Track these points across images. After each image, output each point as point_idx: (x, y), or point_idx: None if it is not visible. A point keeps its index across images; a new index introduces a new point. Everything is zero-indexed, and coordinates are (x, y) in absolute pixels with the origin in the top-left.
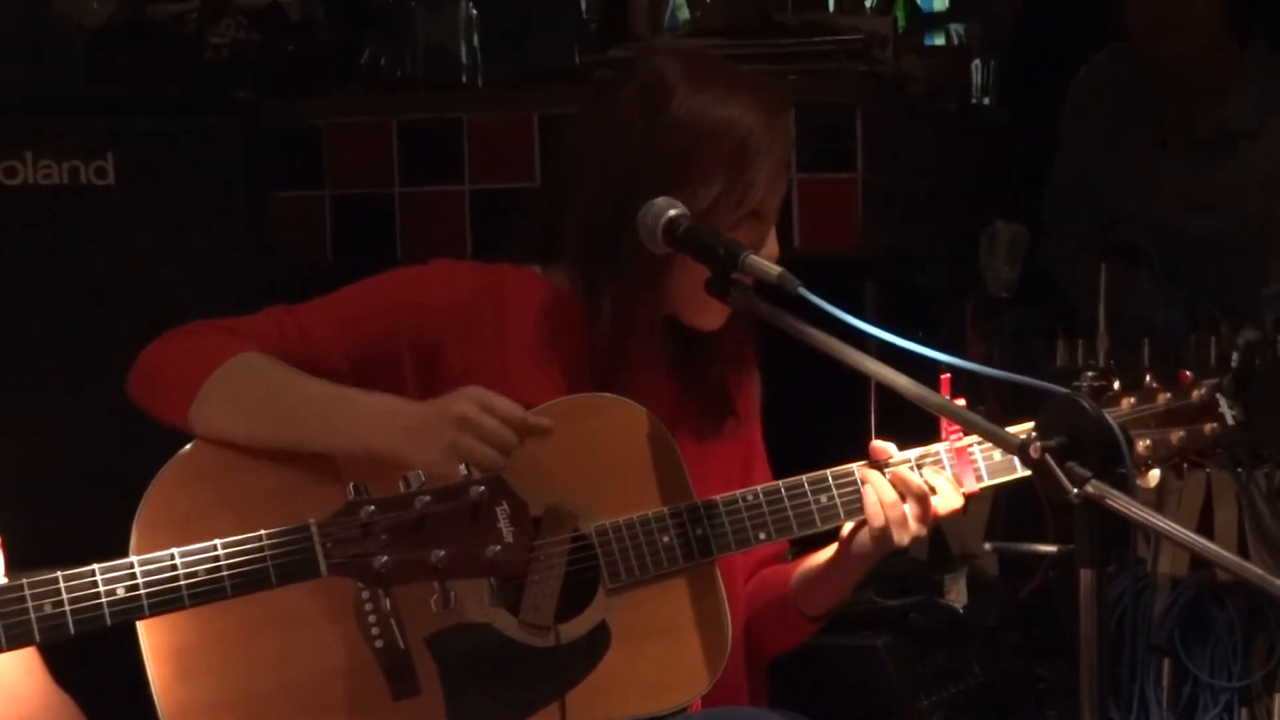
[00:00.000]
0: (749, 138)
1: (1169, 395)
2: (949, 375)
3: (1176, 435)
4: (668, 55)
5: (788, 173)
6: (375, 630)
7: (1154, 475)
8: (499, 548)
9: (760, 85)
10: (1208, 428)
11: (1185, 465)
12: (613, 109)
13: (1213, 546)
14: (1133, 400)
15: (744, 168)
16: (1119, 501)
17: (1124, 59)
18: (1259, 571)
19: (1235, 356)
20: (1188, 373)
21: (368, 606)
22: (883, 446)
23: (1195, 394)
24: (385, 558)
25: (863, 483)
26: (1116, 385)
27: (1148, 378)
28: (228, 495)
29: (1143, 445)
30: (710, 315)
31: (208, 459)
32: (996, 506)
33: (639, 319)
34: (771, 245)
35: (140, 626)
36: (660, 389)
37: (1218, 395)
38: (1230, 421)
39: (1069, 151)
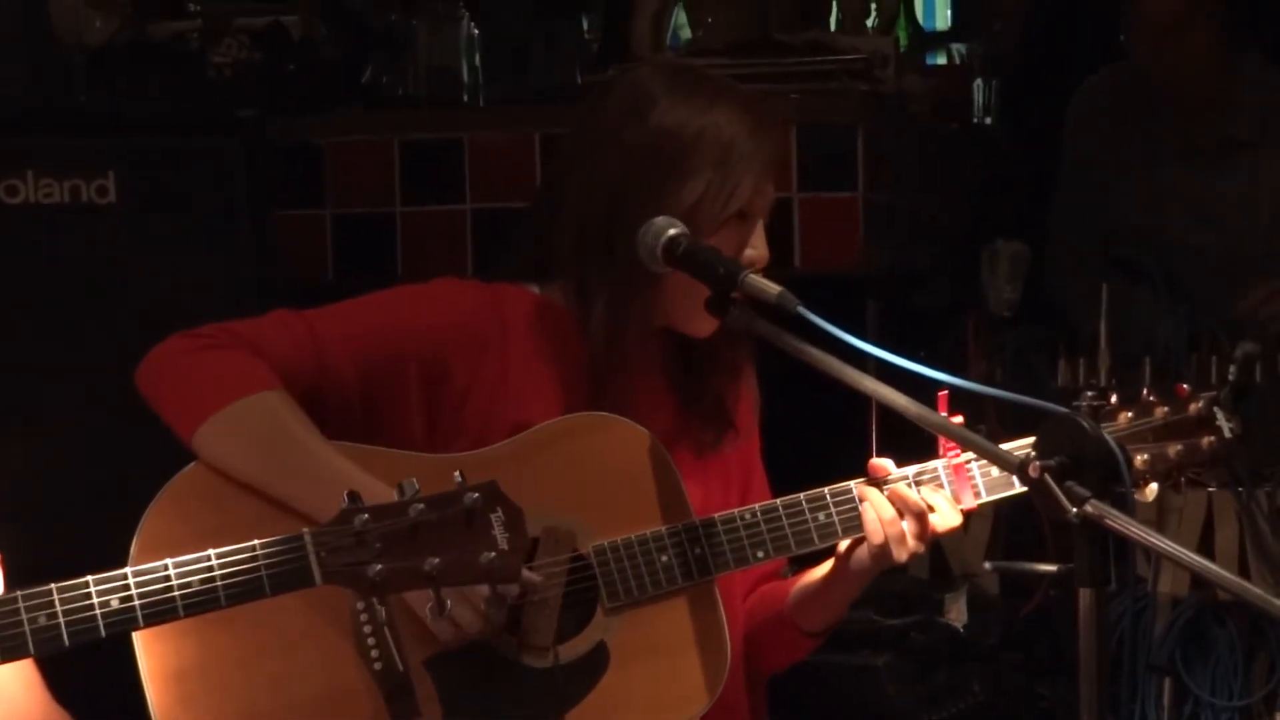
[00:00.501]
0: (733, 142)
1: (1166, 409)
2: (946, 392)
3: (1174, 449)
4: (651, 68)
5: (776, 177)
6: (374, 653)
7: (1152, 490)
8: (493, 554)
9: (747, 95)
10: (1205, 441)
11: (1184, 480)
12: (598, 122)
13: (1212, 566)
14: (1130, 415)
15: (728, 171)
16: (1118, 521)
17: (1120, 78)
18: (1258, 591)
19: (1232, 369)
20: (1185, 386)
21: (366, 628)
22: (881, 464)
23: (1193, 407)
24: (379, 566)
25: (861, 500)
26: (1114, 399)
27: (1145, 391)
28: (227, 518)
29: (1140, 460)
30: (704, 322)
31: (208, 481)
32: (997, 526)
33: (633, 328)
34: (760, 247)
35: (139, 649)
36: (659, 404)
37: (1215, 409)
38: (1228, 435)
39: (1069, 173)
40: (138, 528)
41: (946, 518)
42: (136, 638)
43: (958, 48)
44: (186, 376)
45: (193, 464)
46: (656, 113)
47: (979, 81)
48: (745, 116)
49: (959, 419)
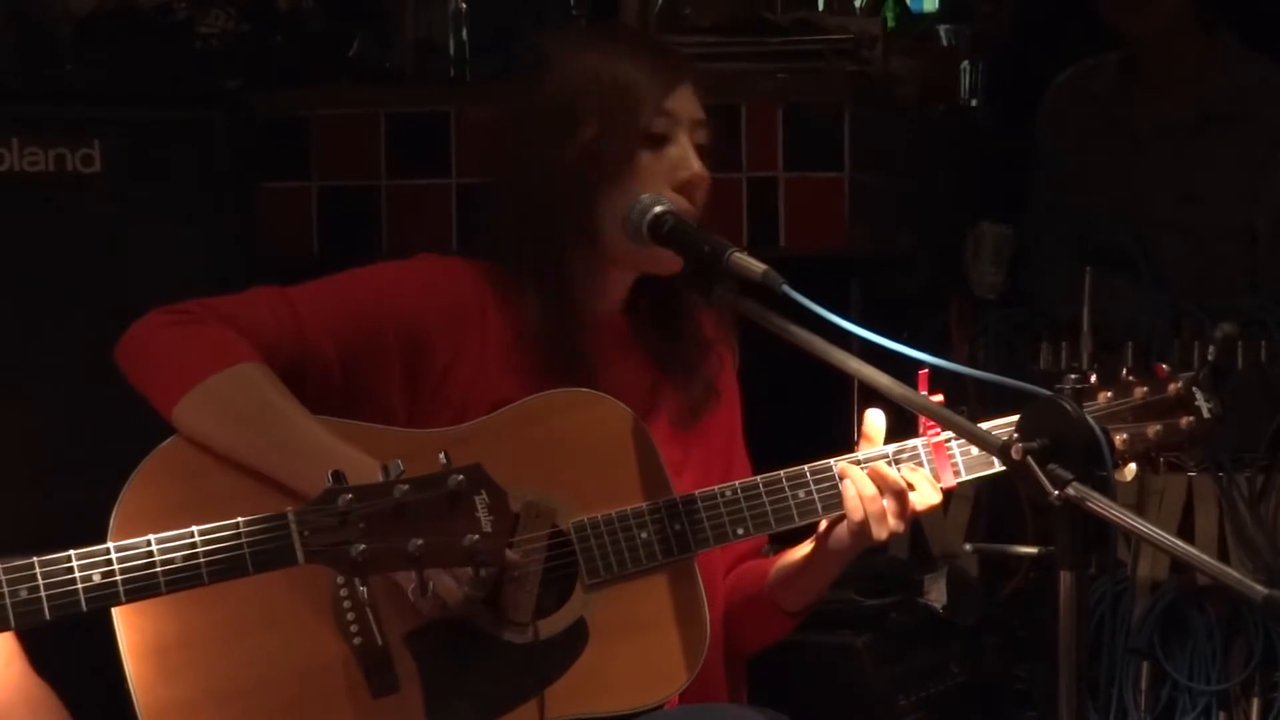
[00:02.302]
0: (614, 75)
1: (1145, 389)
2: (926, 371)
3: (1153, 429)
4: (564, 31)
5: (689, 98)
6: (354, 628)
7: (1130, 469)
8: (477, 537)
9: (631, 32)
10: (1184, 421)
11: (1164, 464)
12: (509, 99)
13: (1192, 550)
14: (1109, 394)
15: (617, 103)
16: (1100, 504)
17: (1092, 72)
18: (1237, 575)
19: (1211, 350)
20: (1164, 366)
21: (346, 604)
22: (877, 418)
23: (1172, 388)
24: (362, 546)
25: (841, 478)
26: (1093, 379)
27: (1124, 371)
28: (207, 492)
29: (1119, 439)
30: (667, 258)
31: (187, 455)
32: (977, 507)
33: (575, 298)
34: (695, 163)
35: (118, 625)
36: (636, 378)
37: (1194, 389)
38: (1206, 415)
39: (1046, 166)
40: (117, 501)
41: (926, 496)
42: (115, 614)
43: (945, 29)
44: (165, 351)
45: (172, 438)
46: (549, 77)
47: (966, 63)
48: (625, 49)
49: (939, 398)
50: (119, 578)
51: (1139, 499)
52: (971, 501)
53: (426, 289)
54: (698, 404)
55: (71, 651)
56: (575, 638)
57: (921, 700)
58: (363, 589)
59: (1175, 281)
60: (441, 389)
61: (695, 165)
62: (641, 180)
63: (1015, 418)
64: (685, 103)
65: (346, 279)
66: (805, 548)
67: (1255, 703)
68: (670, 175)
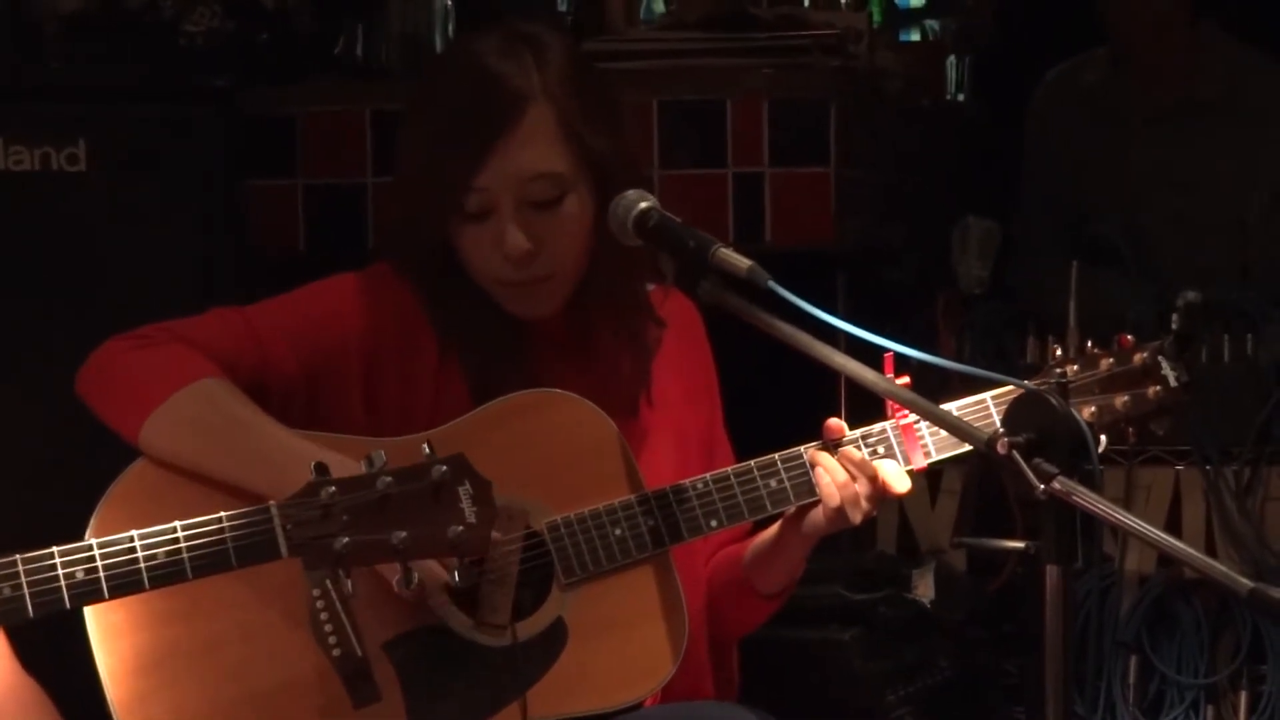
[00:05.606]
0: (439, 138)
1: (1111, 361)
2: (891, 354)
3: (1121, 400)
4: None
5: (516, 156)
6: (332, 639)
7: (1100, 442)
8: (461, 528)
9: (484, 72)
10: (1151, 391)
11: (1131, 430)
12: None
13: (1179, 544)
14: (1075, 367)
15: (430, 176)
16: (1086, 498)
17: (1081, 69)
18: (1223, 569)
19: (1175, 318)
20: (1129, 337)
21: (323, 615)
22: (837, 424)
23: (1137, 358)
24: (346, 539)
25: (813, 465)
26: (1058, 352)
27: (1089, 344)
28: (179, 509)
29: (1088, 412)
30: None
31: (156, 474)
32: (965, 502)
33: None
34: (508, 242)
35: (96, 647)
36: (576, 377)
37: (1160, 358)
38: (1173, 383)
39: (1035, 163)
40: (87, 528)
41: (897, 480)
42: (94, 635)
43: (931, 24)
44: (125, 376)
45: (138, 460)
46: (406, 112)
47: (952, 58)
48: (454, 91)
49: (905, 380)
50: (102, 574)
51: (1126, 492)
52: (959, 496)
53: (384, 300)
54: (638, 393)
55: (60, 649)
56: (554, 638)
57: (909, 695)
58: (336, 596)
59: (1164, 273)
60: (407, 400)
61: (509, 243)
62: (469, 251)
63: (980, 396)
64: (506, 165)
65: (303, 294)
66: (774, 530)
67: (1243, 696)
68: (495, 248)
